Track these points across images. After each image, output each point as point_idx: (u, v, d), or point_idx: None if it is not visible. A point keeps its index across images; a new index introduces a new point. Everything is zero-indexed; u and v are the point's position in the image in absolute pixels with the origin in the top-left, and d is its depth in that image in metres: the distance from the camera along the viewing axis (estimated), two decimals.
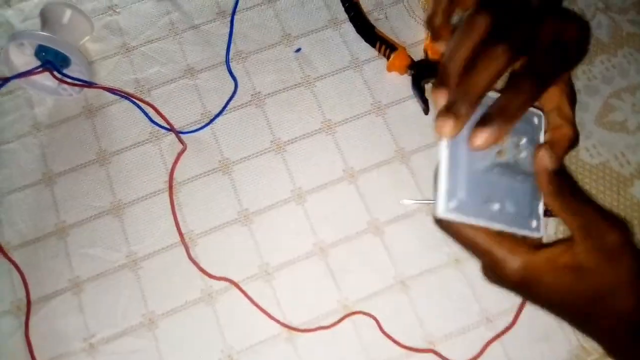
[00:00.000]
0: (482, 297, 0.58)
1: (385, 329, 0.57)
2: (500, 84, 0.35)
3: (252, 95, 0.66)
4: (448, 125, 0.33)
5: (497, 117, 0.33)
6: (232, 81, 0.67)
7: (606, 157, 0.63)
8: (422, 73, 0.65)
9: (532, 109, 0.39)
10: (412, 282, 0.58)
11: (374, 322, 0.57)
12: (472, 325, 0.57)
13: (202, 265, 0.59)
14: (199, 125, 0.65)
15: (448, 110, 0.33)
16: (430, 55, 0.65)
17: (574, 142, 0.39)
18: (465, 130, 0.34)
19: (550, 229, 0.60)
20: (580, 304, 0.36)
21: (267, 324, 0.57)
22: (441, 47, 0.42)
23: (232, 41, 0.68)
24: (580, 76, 0.66)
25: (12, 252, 0.60)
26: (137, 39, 0.69)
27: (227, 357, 0.56)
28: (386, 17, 0.70)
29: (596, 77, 0.66)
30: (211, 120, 0.65)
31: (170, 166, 0.63)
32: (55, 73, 0.63)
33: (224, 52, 0.68)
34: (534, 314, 0.56)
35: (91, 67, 0.67)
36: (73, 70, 0.64)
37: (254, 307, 0.58)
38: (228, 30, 0.69)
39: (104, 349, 0.57)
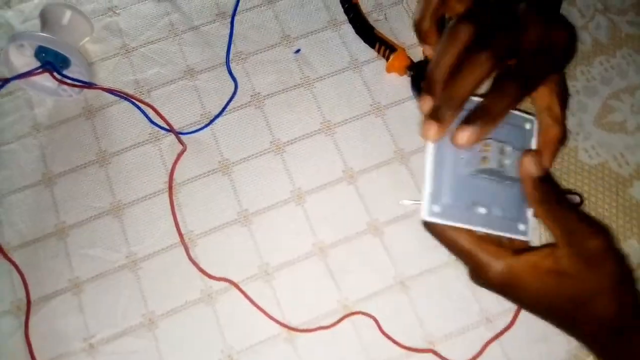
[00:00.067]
0: (482, 298, 0.58)
1: (385, 329, 0.57)
2: (485, 88, 0.36)
3: (251, 96, 0.66)
4: (432, 129, 0.35)
5: (480, 117, 0.34)
6: (232, 82, 0.67)
7: (605, 158, 0.63)
8: (422, 74, 0.65)
9: (525, 115, 0.40)
10: (412, 283, 0.58)
11: (373, 322, 0.57)
12: (471, 325, 0.57)
13: (202, 265, 0.59)
14: (199, 126, 0.65)
15: (432, 116, 0.35)
16: (430, 57, 0.66)
17: (562, 141, 0.40)
18: (447, 139, 0.35)
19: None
20: (563, 308, 0.37)
21: (267, 324, 0.57)
22: (427, 51, 0.44)
23: (232, 42, 0.69)
24: (579, 77, 0.67)
25: (12, 253, 0.60)
26: (137, 40, 0.69)
27: (227, 357, 0.56)
28: (385, 18, 0.70)
29: (595, 78, 0.67)
30: (211, 121, 0.65)
31: (170, 167, 0.63)
32: (55, 74, 0.63)
33: (223, 53, 0.68)
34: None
35: (91, 68, 0.67)
36: (73, 71, 0.64)
37: (254, 308, 0.58)
38: (227, 31, 0.69)
39: (104, 349, 0.57)
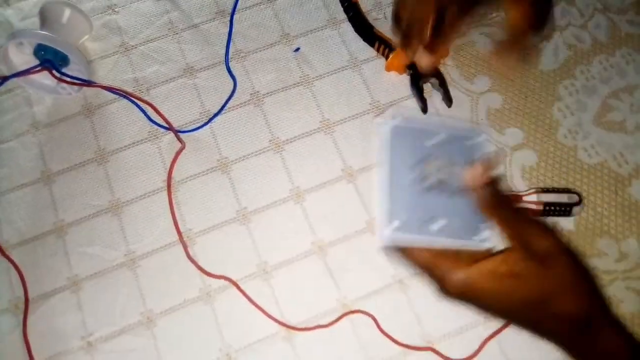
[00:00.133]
0: None
1: (384, 328, 0.57)
2: None
3: (251, 94, 0.66)
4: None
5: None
6: (231, 80, 0.67)
7: (604, 157, 0.63)
8: (421, 73, 0.65)
9: (467, 130, 0.42)
10: (411, 281, 0.58)
11: (372, 320, 0.57)
12: (469, 324, 0.57)
13: (201, 264, 0.59)
14: (198, 125, 0.65)
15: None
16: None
17: (530, 31, 0.46)
18: (398, 160, 0.38)
19: None
20: (524, 310, 0.38)
21: (266, 323, 0.57)
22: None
23: (231, 40, 0.69)
24: (579, 76, 0.67)
25: (11, 251, 0.60)
26: (136, 38, 0.69)
27: (226, 356, 0.56)
28: (385, 16, 0.70)
29: (594, 77, 0.67)
30: (210, 120, 0.65)
31: (169, 165, 0.63)
32: (54, 72, 0.63)
33: (222, 52, 0.68)
34: None
35: (90, 66, 0.67)
36: (72, 69, 0.64)
37: (252, 306, 0.58)
38: (227, 29, 0.69)
39: (102, 347, 0.57)
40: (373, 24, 0.68)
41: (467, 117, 0.65)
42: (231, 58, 0.68)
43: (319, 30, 0.69)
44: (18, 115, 0.66)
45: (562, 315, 0.37)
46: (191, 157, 0.64)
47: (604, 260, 0.59)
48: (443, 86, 0.64)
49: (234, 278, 0.59)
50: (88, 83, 0.65)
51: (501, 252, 0.39)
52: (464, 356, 0.56)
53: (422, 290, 0.58)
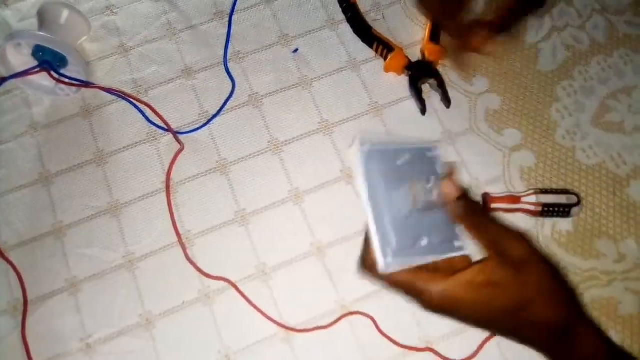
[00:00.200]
0: None
1: (383, 329, 0.57)
2: None
3: (249, 95, 0.66)
4: None
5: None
6: (230, 81, 0.67)
7: (602, 158, 0.63)
8: (419, 74, 0.65)
9: (423, 145, 0.44)
10: None
11: (371, 322, 0.57)
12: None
13: (199, 265, 0.59)
14: (197, 126, 0.65)
15: None
16: (427, 56, 0.66)
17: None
18: (382, 192, 0.40)
19: (547, 229, 0.60)
20: (502, 318, 0.39)
21: (264, 324, 0.57)
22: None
23: (229, 41, 0.69)
24: (577, 77, 0.67)
25: (9, 252, 0.60)
26: (135, 39, 0.69)
27: (224, 357, 0.56)
28: (383, 17, 0.70)
29: (592, 78, 0.67)
30: (209, 121, 0.65)
31: (167, 166, 0.63)
32: (53, 73, 0.63)
33: (221, 53, 0.68)
34: None
35: (88, 67, 0.67)
36: (70, 70, 0.64)
37: (251, 308, 0.58)
38: (225, 30, 0.69)
39: (101, 349, 0.57)
40: (372, 25, 0.68)
41: (465, 117, 0.65)
42: (230, 59, 0.68)
43: (317, 31, 0.69)
44: (16, 117, 0.66)
45: (540, 322, 0.38)
46: (190, 159, 0.64)
47: (602, 261, 0.59)
48: (442, 87, 0.64)
49: (232, 279, 0.59)
50: (86, 84, 0.65)
51: (478, 262, 0.40)
52: (463, 357, 0.56)
53: None
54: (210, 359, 0.56)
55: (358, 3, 0.69)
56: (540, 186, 0.61)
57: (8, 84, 0.65)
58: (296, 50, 0.68)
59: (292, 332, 0.57)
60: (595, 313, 0.57)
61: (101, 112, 0.66)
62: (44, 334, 0.57)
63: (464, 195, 0.41)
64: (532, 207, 0.58)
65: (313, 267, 0.59)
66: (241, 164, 0.63)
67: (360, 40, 0.68)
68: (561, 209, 0.59)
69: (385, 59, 0.66)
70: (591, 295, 0.58)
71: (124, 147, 0.64)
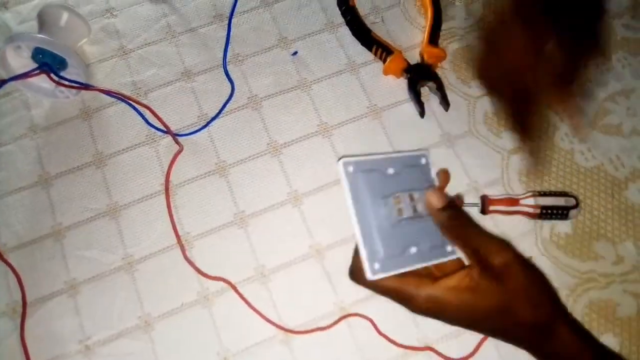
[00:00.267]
0: None
1: (382, 331, 0.57)
2: None
3: (248, 98, 0.67)
4: None
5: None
6: (229, 84, 0.67)
7: (601, 161, 0.63)
8: (418, 76, 0.65)
9: (416, 153, 0.46)
10: None
11: (370, 323, 0.57)
12: None
13: (198, 267, 0.59)
14: (196, 128, 0.65)
15: None
16: (426, 59, 0.66)
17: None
18: (368, 200, 0.41)
19: (545, 232, 0.60)
20: (486, 320, 0.41)
21: (263, 326, 0.57)
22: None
23: (229, 44, 0.69)
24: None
25: (8, 254, 0.60)
26: (134, 42, 0.69)
27: (223, 359, 0.56)
28: (382, 20, 0.70)
29: (591, 81, 0.67)
30: (208, 123, 0.65)
31: (166, 168, 0.63)
32: (52, 75, 0.63)
33: (220, 55, 0.68)
34: None
35: (88, 69, 0.67)
36: (70, 73, 0.64)
37: (250, 309, 0.58)
38: (224, 33, 0.69)
39: (100, 351, 0.57)
40: (371, 28, 0.68)
41: (464, 120, 0.65)
42: (229, 62, 0.68)
43: (316, 34, 0.70)
44: (16, 119, 0.66)
45: (524, 324, 0.40)
46: (189, 161, 0.64)
47: (600, 264, 0.59)
48: (440, 90, 0.64)
49: (231, 281, 0.59)
50: (86, 86, 0.65)
51: (464, 267, 0.42)
52: (460, 358, 0.56)
53: None
54: None
55: (357, 6, 0.69)
56: (538, 188, 0.61)
57: (8, 86, 0.65)
58: (295, 53, 0.69)
59: (291, 333, 0.57)
60: (594, 315, 0.57)
61: (100, 115, 0.66)
62: (42, 335, 0.57)
63: (449, 205, 0.42)
64: (530, 210, 0.59)
65: (312, 269, 0.59)
66: (240, 166, 0.63)
67: (359, 43, 0.68)
68: (559, 211, 0.59)
69: (384, 61, 0.66)
70: (589, 298, 0.58)
71: (123, 149, 0.64)
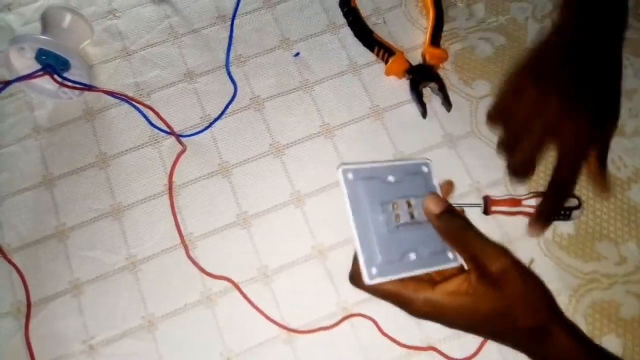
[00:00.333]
0: None
1: (385, 331, 0.57)
2: None
3: (251, 99, 0.67)
4: None
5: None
6: (232, 85, 0.67)
7: None
8: (420, 77, 0.65)
9: (418, 161, 0.46)
10: None
11: (372, 324, 0.57)
12: None
13: (202, 267, 0.59)
14: (199, 129, 0.65)
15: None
16: (428, 60, 0.66)
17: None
18: (367, 207, 0.41)
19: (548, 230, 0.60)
20: (484, 324, 0.41)
21: (266, 326, 0.57)
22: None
23: (231, 45, 0.69)
24: None
25: (13, 255, 0.60)
26: (137, 43, 0.70)
27: (226, 359, 0.56)
28: (384, 21, 0.70)
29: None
30: (210, 124, 0.65)
31: (169, 169, 0.63)
32: (56, 76, 0.63)
33: (223, 56, 0.68)
34: None
35: (91, 70, 0.68)
36: (73, 74, 0.65)
37: (253, 309, 0.58)
38: (227, 34, 0.69)
39: (104, 351, 0.57)
40: (372, 29, 0.68)
41: (466, 121, 0.65)
42: (232, 63, 0.68)
43: (318, 35, 0.70)
44: (19, 120, 0.66)
45: (522, 329, 0.41)
46: (192, 161, 0.64)
47: (603, 264, 0.59)
48: (442, 91, 0.65)
49: (234, 281, 0.59)
50: (89, 87, 0.66)
51: (462, 272, 0.43)
52: (465, 356, 0.56)
53: None
54: None
55: (359, 7, 0.70)
56: (541, 189, 0.61)
57: (11, 87, 0.66)
58: (297, 54, 0.69)
59: (294, 333, 0.57)
60: (597, 316, 0.57)
61: (104, 115, 0.66)
62: (46, 336, 0.57)
63: (447, 211, 0.43)
64: (533, 210, 0.59)
65: (314, 270, 0.59)
66: (243, 166, 0.64)
67: (361, 44, 0.69)
68: (562, 212, 0.59)
69: (386, 62, 0.67)
70: (592, 298, 0.58)
71: (126, 150, 0.65)
